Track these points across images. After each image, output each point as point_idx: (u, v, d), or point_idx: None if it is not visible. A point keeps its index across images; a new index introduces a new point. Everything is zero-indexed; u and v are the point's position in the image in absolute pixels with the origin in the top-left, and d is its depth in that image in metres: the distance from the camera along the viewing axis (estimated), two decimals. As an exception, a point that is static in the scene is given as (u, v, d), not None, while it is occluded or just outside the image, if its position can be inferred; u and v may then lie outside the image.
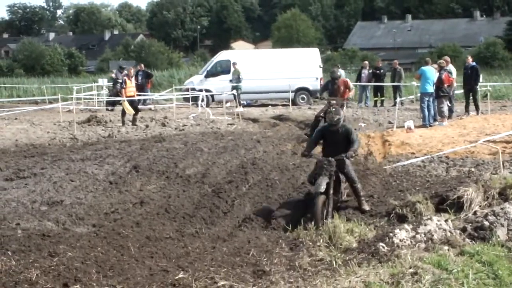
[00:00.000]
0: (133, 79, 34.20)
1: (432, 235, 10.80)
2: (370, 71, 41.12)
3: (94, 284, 9.90)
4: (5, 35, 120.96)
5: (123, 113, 31.88)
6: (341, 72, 18.73)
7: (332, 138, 14.63)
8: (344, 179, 14.77)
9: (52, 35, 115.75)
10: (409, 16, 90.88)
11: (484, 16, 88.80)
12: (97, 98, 44.26)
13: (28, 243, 11.95)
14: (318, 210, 13.34)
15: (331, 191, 13.95)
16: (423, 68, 27.93)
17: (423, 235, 10.77)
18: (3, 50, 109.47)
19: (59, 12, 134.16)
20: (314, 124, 23.48)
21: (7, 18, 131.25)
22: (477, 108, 31.06)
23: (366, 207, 14.42)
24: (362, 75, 41.34)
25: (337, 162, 14.23)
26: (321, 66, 44.19)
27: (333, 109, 14.88)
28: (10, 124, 31.65)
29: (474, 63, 31.07)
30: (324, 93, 24.79)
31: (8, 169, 20.65)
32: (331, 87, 24.12)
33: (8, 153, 24.21)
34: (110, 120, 32.50)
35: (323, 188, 13.66)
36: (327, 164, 14.09)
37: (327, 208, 13.67)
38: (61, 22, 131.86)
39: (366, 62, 43.66)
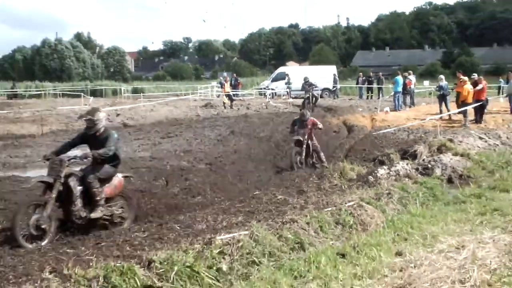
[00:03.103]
0: (228, 83, 34.62)
1: (399, 172, 10.66)
2: (363, 78, 40.86)
3: (208, 196, 10.00)
4: (161, 58, 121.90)
5: (224, 102, 32.20)
6: (308, 115, 13.90)
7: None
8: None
9: (186, 58, 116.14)
10: (387, 47, 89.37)
11: (430, 48, 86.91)
12: (211, 93, 44.45)
13: (173, 173, 12.14)
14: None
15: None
16: (396, 77, 27.87)
17: (394, 172, 10.63)
18: (160, 66, 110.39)
19: (190, 44, 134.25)
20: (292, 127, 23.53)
21: (162, 48, 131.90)
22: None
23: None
24: (359, 80, 41.16)
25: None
26: (336, 75, 43.54)
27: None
28: (162, 107, 31.95)
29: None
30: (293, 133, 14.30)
31: (162, 132, 20.94)
32: (300, 124, 13.84)
33: (162, 123, 24.56)
34: (218, 105, 32.59)
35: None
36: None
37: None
38: (191, 50, 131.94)
39: (361, 73, 43.48)
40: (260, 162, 14.34)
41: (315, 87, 28.94)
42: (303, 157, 13.24)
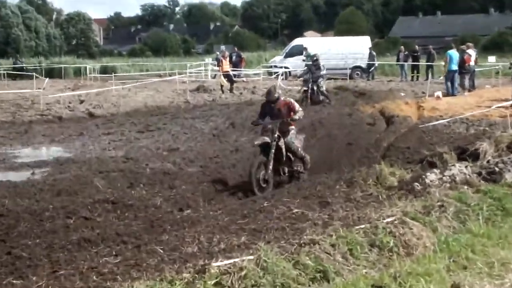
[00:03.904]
0: (227, 59, 34.70)
1: (455, 178, 10.59)
2: (406, 53, 40.92)
3: (201, 209, 9.97)
4: (139, 27, 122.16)
5: (221, 85, 32.18)
6: (279, 93, 12.45)
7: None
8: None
9: (171, 26, 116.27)
10: (439, 12, 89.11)
11: (498, 11, 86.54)
12: (204, 73, 44.50)
13: (154, 178, 12.18)
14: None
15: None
16: (449, 52, 27.73)
17: (448, 177, 10.57)
18: (137, 37, 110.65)
19: (177, 9, 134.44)
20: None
21: (140, 14, 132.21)
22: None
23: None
24: (400, 56, 41.18)
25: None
26: (372, 49, 43.52)
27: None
28: (141, 91, 32.03)
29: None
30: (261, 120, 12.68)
31: (139, 124, 21.00)
32: (269, 111, 12.38)
33: (140, 113, 24.66)
34: (214, 89, 32.64)
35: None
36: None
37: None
38: (178, 16, 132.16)
39: (402, 47, 43.64)
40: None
41: (320, 75, 25.53)
42: (269, 170, 11.51)
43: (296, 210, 8.96)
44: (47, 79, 34.73)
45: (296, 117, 12.15)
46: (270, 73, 43.27)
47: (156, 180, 11.99)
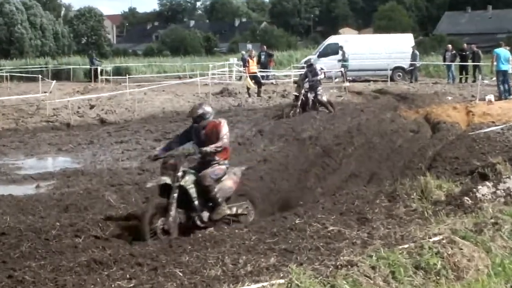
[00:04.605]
0: (255, 58, 34.79)
1: (511, 191, 10.50)
2: (453, 52, 40.65)
3: (226, 227, 9.97)
4: (156, 23, 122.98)
5: (248, 88, 32.25)
6: (209, 112, 10.41)
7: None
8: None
9: (192, 23, 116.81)
10: (490, 7, 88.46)
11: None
12: (229, 74, 44.62)
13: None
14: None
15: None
16: (496, 50, 27.79)
17: (502, 191, 10.48)
18: (154, 35, 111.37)
19: (198, 3, 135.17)
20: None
21: (157, 9, 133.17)
22: None
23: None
24: (446, 56, 40.89)
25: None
26: (415, 48, 43.31)
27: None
28: (158, 95, 32.21)
29: None
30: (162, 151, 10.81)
31: (157, 131, 21.17)
32: (196, 136, 10.47)
33: (157, 119, 24.87)
34: (239, 92, 32.74)
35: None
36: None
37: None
38: (200, 12, 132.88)
39: (449, 45, 43.24)
40: (301, 176, 14.27)
41: (317, 80, 23.98)
42: (171, 217, 9.73)
43: (331, 228, 8.94)
44: (54, 81, 34.73)
45: (210, 149, 10.08)
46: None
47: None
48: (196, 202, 10.07)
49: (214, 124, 10.38)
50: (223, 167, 10.46)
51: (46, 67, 53.90)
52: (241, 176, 11.01)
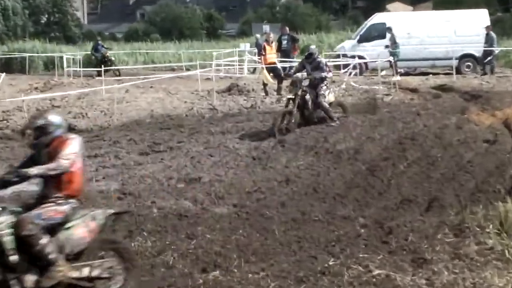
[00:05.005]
0: (274, 44, 34.50)
1: None
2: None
3: (235, 270, 10.03)
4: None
5: (264, 83, 32.14)
6: (56, 123, 9.22)
7: None
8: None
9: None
10: None
11: None
12: (239, 65, 44.58)
13: (164, 223, 12.28)
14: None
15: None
16: None
17: None
18: (139, 12, 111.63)
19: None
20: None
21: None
22: None
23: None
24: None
25: None
26: (491, 29, 43.13)
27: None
28: (145, 93, 32.26)
29: None
30: None
31: (143, 142, 21.17)
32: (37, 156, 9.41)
33: (143, 125, 24.82)
34: (253, 89, 32.72)
35: None
36: None
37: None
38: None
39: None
40: (337, 201, 14.30)
41: (321, 77, 22.63)
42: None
43: (377, 272, 8.98)
44: (3, 74, 34.53)
45: (33, 171, 8.98)
46: (337, 66, 43.15)
47: (167, 226, 12.09)
48: (14, 258, 8.64)
49: (61, 140, 9.19)
50: (64, 207, 9.14)
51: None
52: (104, 223, 9.56)
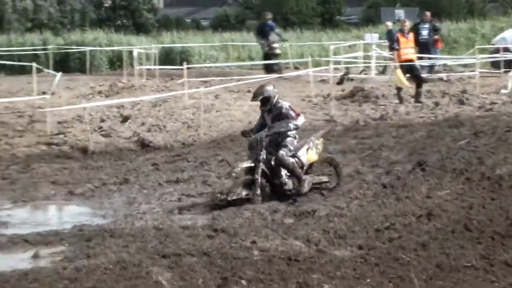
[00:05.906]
0: (410, 35, 34.10)
1: None
2: None
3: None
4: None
5: (397, 87, 32.06)
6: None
7: None
8: None
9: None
10: None
11: None
12: (365, 62, 44.55)
13: (268, 270, 12.34)
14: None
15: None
16: None
17: None
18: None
19: None
20: None
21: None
22: None
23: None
24: None
25: None
26: None
27: None
28: (240, 98, 32.47)
29: None
30: None
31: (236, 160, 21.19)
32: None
33: (238, 141, 24.74)
34: (383, 95, 32.76)
35: None
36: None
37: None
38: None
39: None
40: (496, 242, 14.26)
41: (286, 130, 19.19)
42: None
43: None
44: (59, 74, 34.31)
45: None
46: (494, 63, 42.80)
47: (272, 273, 12.19)
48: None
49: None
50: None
51: (44, 49, 54.68)
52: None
